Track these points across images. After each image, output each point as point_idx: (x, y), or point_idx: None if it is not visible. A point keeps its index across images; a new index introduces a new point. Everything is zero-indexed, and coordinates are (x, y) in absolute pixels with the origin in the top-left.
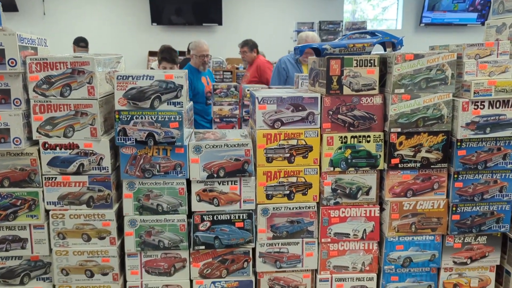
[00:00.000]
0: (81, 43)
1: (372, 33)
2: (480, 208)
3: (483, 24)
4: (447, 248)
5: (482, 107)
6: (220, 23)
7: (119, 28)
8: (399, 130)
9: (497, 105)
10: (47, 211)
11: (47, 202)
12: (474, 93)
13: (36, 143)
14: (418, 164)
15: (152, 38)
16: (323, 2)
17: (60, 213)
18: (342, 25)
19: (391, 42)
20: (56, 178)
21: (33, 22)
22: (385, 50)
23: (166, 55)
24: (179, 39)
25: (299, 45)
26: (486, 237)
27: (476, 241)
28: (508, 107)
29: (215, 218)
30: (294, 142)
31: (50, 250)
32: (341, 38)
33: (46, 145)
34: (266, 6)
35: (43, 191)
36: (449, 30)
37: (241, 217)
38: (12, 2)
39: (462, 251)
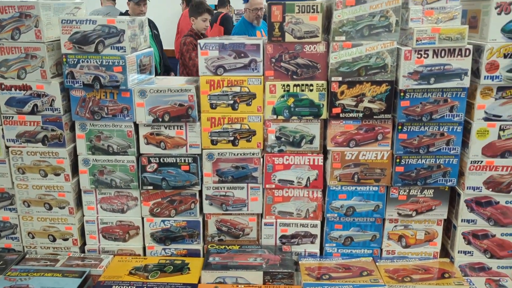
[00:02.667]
0: None
1: None
2: (426, 161)
3: None
4: (392, 199)
5: (425, 56)
6: None
7: None
8: (340, 79)
9: (442, 54)
10: (7, 148)
11: (7, 139)
12: (417, 41)
13: None
14: (361, 114)
15: None
16: None
17: (18, 150)
18: None
19: None
20: (13, 117)
21: None
22: None
23: (207, 6)
24: None
25: None
26: (433, 190)
27: (423, 194)
28: (453, 56)
29: (161, 160)
30: (237, 89)
31: (13, 183)
32: None
33: (3, 86)
34: None
35: (2, 129)
36: None
37: (186, 161)
38: None
39: (407, 203)
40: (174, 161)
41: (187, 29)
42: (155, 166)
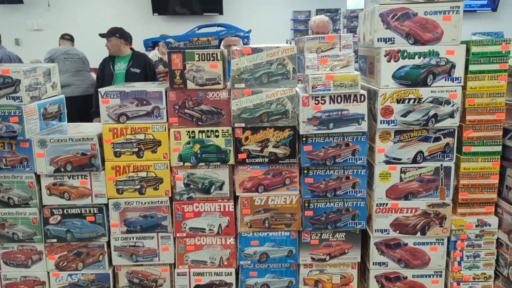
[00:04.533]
0: (65, 36)
1: (221, 27)
2: (334, 205)
3: (494, 10)
4: (304, 244)
5: (323, 102)
6: (221, 13)
7: (121, 18)
8: (243, 125)
9: (338, 100)
10: None
11: None
12: (312, 87)
13: None
14: (266, 159)
15: (153, 28)
16: None
17: None
18: (340, 13)
19: (236, 35)
20: None
21: (38, 14)
22: (243, 44)
23: None
24: (181, 28)
25: (144, 39)
26: (344, 233)
27: (334, 238)
28: (350, 102)
29: (65, 212)
30: (141, 136)
31: None
32: (189, 31)
33: None
34: None
35: None
36: None
37: (91, 211)
38: None
39: (320, 247)
40: (79, 212)
41: None
42: (59, 217)
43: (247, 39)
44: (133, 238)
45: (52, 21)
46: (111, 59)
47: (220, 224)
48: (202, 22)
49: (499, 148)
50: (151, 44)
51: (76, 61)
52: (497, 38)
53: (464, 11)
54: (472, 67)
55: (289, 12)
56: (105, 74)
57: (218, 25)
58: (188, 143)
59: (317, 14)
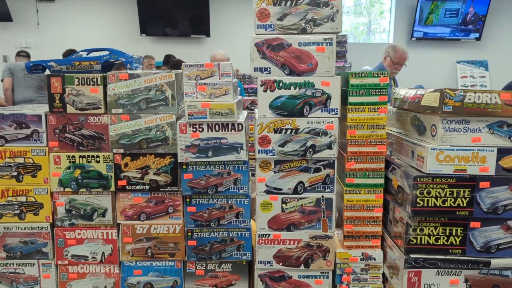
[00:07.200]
0: (21, 53)
1: (106, 51)
2: (218, 234)
3: (478, 39)
4: (190, 274)
5: (201, 130)
6: (208, 35)
7: (110, 39)
8: (122, 151)
9: (216, 128)
10: None
11: None
12: (189, 115)
13: None
14: (147, 187)
15: (141, 49)
16: None
17: None
18: None
19: (118, 60)
20: None
21: (27, 32)
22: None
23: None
24: (168, 50)
25: (26, 62)
26: (231, 264)
27: (221, 269)
28: (228, 131)
29: None
30: (21, 160)
31: None
32: (72, 55)
33: None
34: (251, 19)
35: None
36: (441, 44)
37: None
38: (7, 12)
39: (205, 278)
40: None
41: None
42: None
43: (131, 64)
44: (13, 264)
45: (41, 39)
46: None
47: (103, 252)
48: (189, 44)
49: (381, 181)
50: (41, 66)
51: (36, 78)
52: (377, 71)
53: (448, 39)
54: (351, 99)
55: None
56: None
57: (102, 50)
58: (69, 168)
59: None
